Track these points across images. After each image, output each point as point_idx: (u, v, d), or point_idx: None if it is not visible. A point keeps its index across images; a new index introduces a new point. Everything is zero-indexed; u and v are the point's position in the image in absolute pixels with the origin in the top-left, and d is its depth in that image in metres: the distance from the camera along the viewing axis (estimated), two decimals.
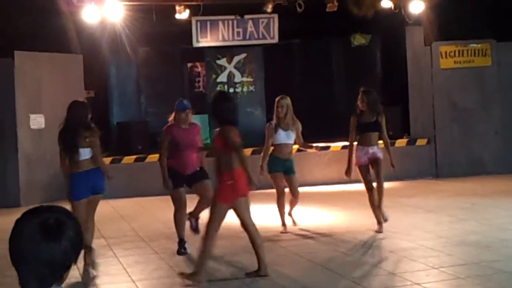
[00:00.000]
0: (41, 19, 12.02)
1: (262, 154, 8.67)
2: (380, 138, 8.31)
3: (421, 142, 13.58)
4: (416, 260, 6.78)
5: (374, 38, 15.19)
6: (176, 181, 7.51)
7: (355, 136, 8.26)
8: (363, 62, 15.48)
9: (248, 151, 13.00)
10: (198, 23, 13.38)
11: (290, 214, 8.83)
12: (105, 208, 7.10)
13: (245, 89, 15.50)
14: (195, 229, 7.75)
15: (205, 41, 13.61)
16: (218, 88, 15.32)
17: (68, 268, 1.91)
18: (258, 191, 8.54)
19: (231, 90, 15.36)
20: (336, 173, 12.71)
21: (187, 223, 7.71)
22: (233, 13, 13.53)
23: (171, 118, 7.63)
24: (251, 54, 15.30)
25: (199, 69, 16.49)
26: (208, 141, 11.98)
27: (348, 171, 8.23)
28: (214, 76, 15.33)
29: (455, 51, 13.58)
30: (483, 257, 6.77)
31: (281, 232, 8.43)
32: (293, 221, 8.80)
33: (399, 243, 7.62)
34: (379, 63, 15.62)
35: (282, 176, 8.49)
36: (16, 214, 1.99)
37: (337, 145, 13.23)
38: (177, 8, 12.65)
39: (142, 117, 15.49)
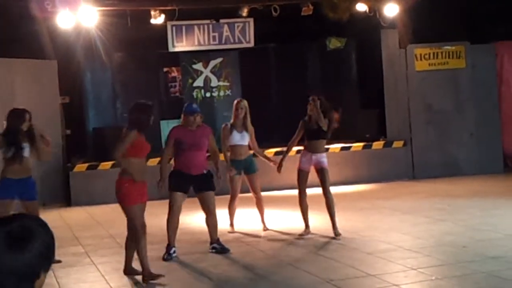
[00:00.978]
0: (14, 25, 11.90)
1: (223, 156, 8.69)
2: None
3: (397, 144, 13.66)
4: (394, 262, 6.81)
5: (350, 42, 15.26)
6: (179, 184, 7.49)
7: (297, 139, 8.42)
8: (339, 66, 15.55)
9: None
10: (174, 28, 13.34)
11: (263, 221, 8.94)
12: (82, 215, 7.00)
13: (221, 93, 15.47)
14: (222, 250, 7.65)
15: (181, 45, 13.57)
16: (194, 93, 15.29)
17: (37, 277, 1.87)
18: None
19: (208, 94, 15.34)
20: (310, 176, 12.74)
21: (212, 252, 7.69)
22: (209, 17, 13.51)
23: (181, 120, 7.75)
24: (227, 59, 15.28)
25: (175, 73, 16.44)
26: None
27: (279, 166, 8.41)
28: (190, 80, 15.28)
29: (429, 54, 13.71)
30: (459, 257, 6.83)
31: (229, 232, 8.66)
32: (264, 226, 8.91)
33: (377, 245, 7.65)
34: (355, 66, 15.69)
35: (240, 179, 8.66)
36: None
37: None
38: (152, 13, 12.60)
39: (118, 122, 15.37)
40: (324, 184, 8.16)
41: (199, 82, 15.26)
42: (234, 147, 8.68)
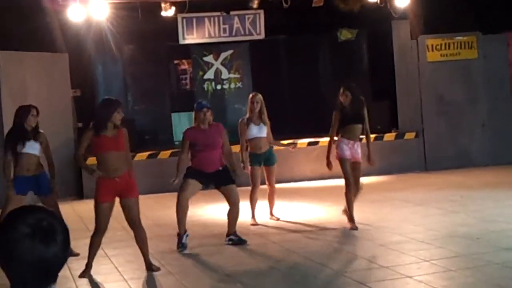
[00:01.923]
0: (26, 18, 11.92)
1: (239, 150, 8.87)
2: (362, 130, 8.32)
3: (409, 135, 13.62)
4: (407, 253, 6.80)
5: (361, 33, 15.20)
6: (195, 175, 7.51)
7: (336, 131, 8.24)
8: (350, 57, 15.49)
9: (236, 148, 13.00)
10: (184, 20, 13.33)
11: (271, 214, 9.03)
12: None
13: (232, 85, 15.47)
14: (239, 242, 7.65)
15: (191, 38, 13.56)
16: (205, 85, 15.29)
17: (62, 266, 1.90)
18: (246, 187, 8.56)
19: (218, 86, 15.34)
20: (325, 168, 12.67)
21: (228, 243, 7.69)
22: (219, 9, 13.49)
23: (193, 120, 7.77)
24: (237, 51, 15.26)
25: (186, 66, 16.44)
26: None
27: (329, 164, 8.18)
28: (201, 73, 15.29)
29: (441, 44, 13.63)
30: (473, 249, 6.80)
31: (251, 225, 8.69)
32: (277, 218, 8.99)
33: (390, 236, 7.64)
34: (366, 57, 15.63)
35: (260, 170, 8.72)
36: None
37: (325, 140, 13.20)
38: (163, 5, 12.59)
39: (129, 115, 15.39)
40: (358, 179, 8.05)
41: (209, 74, 15.26)
42: (252, 141, 8.74)
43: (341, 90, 8.21)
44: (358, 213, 8.43)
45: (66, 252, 1.90)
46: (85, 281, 6.49)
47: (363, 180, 7.99)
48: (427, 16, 13.12)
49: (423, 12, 13.06)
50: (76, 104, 13.32)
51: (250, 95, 9.00)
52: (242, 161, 8.72)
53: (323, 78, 16.21)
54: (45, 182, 7.43)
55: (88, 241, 6.71)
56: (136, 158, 12.52)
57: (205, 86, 15.29)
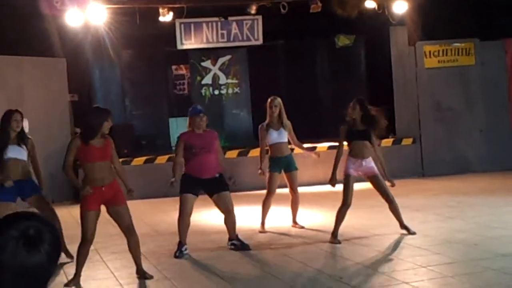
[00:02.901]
0: (23, 23, 11.92)
1: (259, 155, 8.76)
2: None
3: (406, 141, 13.63)
4: (404, 259, 6.79)
5: (358, 39, 15.22)
6: (190, 187, 7.47)
7: (342, 147, 7.88)
8: (348, 63, 15.51)
9: (233, 153, 13.00)
10: (182, 26, 13.33)
11: (295, 222, 8.86)
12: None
13: (230, 91, 15.48)
14: (242, 247, 7.61)
15: (189, 43, 13.56)
16: (203, 90, 15.29)
17: (51, 275, 1.87)
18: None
19: (216, 92, 15.34)
20: (322, 174, 12.68)
21: (231, 248, 7.67)
22: (217, 15, 13.50)
23: (187, 125, 7.72)
24: (235, 56, 15.27)
25: (184, 71, 16.45)
26: None
27: (332, 179, 7.80)
28: (198, 78, 15.29)
29: (439, 51, 13.65)
30: (470, 255, 6.79)
31: (260, 232, 8.57)
32: (300, 226, 8.80)
33: (386, 242, 7.63)
34: (364, 63, 15.64)
35: (278, 177, 8.59)
36: None
37: (323, 145, 13.23)
38: (161, 10, 12.60)
39: (127, 120, 15.40)
40: (385, 190, 7.76)
41: (207, 79, 15.27)
42: (273, 146, 8.60)
43: (352, 103, 7.84)
44: (355, 219, 8.43)
45: (54, 264, 1.86)
46: (80, 286, 6.46)
47: (360, 186, 7.94)
48: (425, 22, 13.14)
49: (420, 19, 13.08)
50: (74, 109, 13.30)
51: (269, 100, 8.74)
52: (260, 167, 8.60)
53: (321, 84, 16.22)
54: (29, 185, 7.34)
55: None
56: (133, 163, 12.52)
57: (203, 91, 15.29)
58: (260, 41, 13.77)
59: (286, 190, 8.83)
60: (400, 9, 12.68)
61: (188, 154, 7.56)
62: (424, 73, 13.66)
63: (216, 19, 13.53)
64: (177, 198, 7.70)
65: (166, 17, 12.67)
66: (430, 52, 13.65)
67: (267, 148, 8.68)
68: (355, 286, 5.93)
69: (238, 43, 13.88)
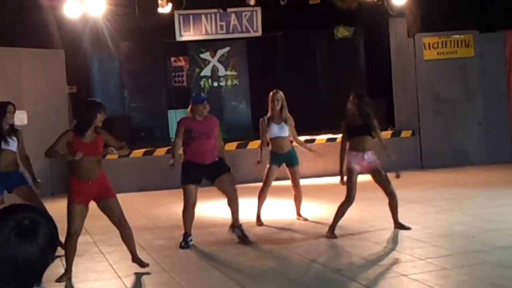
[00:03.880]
0: (21, 14, 11.89)
1: (259, 147, 8.73)
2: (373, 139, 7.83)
3: (405, 133, 13.63)
4: (402, 252, 6.79)
5: (358, 30, 15.20)
6: (192, 175, 7.45)
7: (345, 142, 7.72)
8: (347, 54, 15.50)
9: (232, 145, 12.99)
10: (181, 17, 13.31)
11: (299, 214, 8.83)
12: (90, 204, 7.03)
13: (229, 82, 15.46)
14: (245, 240, 7.55)
15: (188, 35, 13.55)
16: (202, 82, 15.27)
17: (47, 266, 1.88)
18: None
19: (215, 84, 15.33)
20: (321, 166, 12.73)
21: (234, 237, 7.64)
22: (216, 6, 13.48)
23: (188, 111, 7.66)
24: (234, 48, 15.26)
25: (182, 63, 16.42)
26: None
27: (342, 179, 7.64)
28: (197, 70, 15.27)
29: (438, 43, 13.63)
30: (468, 247, 6.80)
31: (257, 225, 8.52)
32: (304, 219, 8.79)
33: (385, 234, 7.63)
34: (363, 55, 15.64)
35: (277, 171, 8.55)
36: None
37: (322, 137, 13.24)
38: (160, 2, 12.55)
39: (125, 112, 15.40)
40: (385, 184, 7.71)
41: (206, 71, 15.26)
42: (274, 140, 8.52)
43: (351, 97, 7.74)
44: (353, 212, 8.41)
45: (48, 258, 1.86)
46: (79, 278, 6.47)
47: (359, 178, 7.91)
48: (424, 14, 13.12)
49: (420, 10, 13.06)
50: (72, 101, 13.28)
51: (271, 93, 8.64)
52: (259, 156, 8.57)
53: (320, 75, 16.22)
54: (17, 176, 7.33)
55: (82, 238, 6.67)
56: (132, 155, 12.50)
57: (202, 83, 15.28)
58: (259, 33, 13.75)
59: (288, 183, 8.82)
60: (399, 1, 12.63)
61: (187, 139, 7.51)
62: (423, 65, 13.64)
63: (215, 10, 13.51)
64: (175, 191, 7.71)
65: (165, 8, 12.63)
66: (429, 44, 13.63)
67: (268, 141, 8.63)
68: (352, 278, 5.93)
69: (237, 34, 13.87)
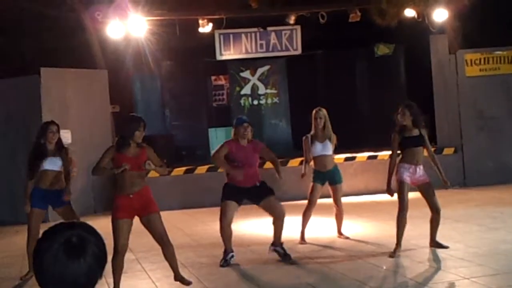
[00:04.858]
0: (66, 36, 12.16)
1: (303, 163, 8.68)
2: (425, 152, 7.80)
3: (448, 151, 13.45)
4: (446, 271, 6.69)
5: (398, 48, 15.12)
6: (233, 194, 7.47)
7: (396, 155, 7.64)
8: (387, 72, 15.41)
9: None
10: (221, 36, 13.44)
11: (340, 232, 8.78)
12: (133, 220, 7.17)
13: (269, 101, 15.52)
14: (286, 258, 7.53)
15: (229, 54, 13.66)
16: (242, 101, 15.36)
17: (94, 284, 1.90)
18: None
19: (255, 102, 15.40)
20: (362, 184, 12.65)
21: (275, 255, 7.63)
22: (256, 25, 13.57)
23: (232, 134, 7.68)
24: (274, 66, 15.32)
25: (223, 81, 16.55)
26: None
27: (388, 190, 7.57)
28: (238, 88, 15.37)
29: (480, 59, 13.47)
30: None
31: (299, 243, 8.47)
32: (345, 237, 8.73)
33: (429, 253, 7.53)
34: (403, 72, 15.53)
35: (320, 189, 8.51)
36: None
37: (363, 155, 13.15)
38: (200, 22, 12.73)
39: (167, 130, 15.56)
40: (433, 199, 7.60)
41: (246, 90, 15.34)
42: (317, 158, 8.49)
43: (399, 109, 7.65)
44: (395, 229, 8.32)
45: (97, 272, 1.88)
46: None
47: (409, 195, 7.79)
48: (466, 30, 12.99)
49: (461, 27, 12.94)
50: (115, 120, 13.47)
51: (314, 111, 8.63)
52: (303, 170, 8.53)
53: (360, 93, 16.15)
54: (59, 196, 7.43)
55: (125, 256, 6.72)
56: (173, 173, 12.61)
57: (242, 101, 15.36)
58: (299, 51, 13.79)
59: (329, 201, 8.79)
60: (440, 17, 12.55)
61: (230, 163, 7.54)
62: (465, 82, 13.48)
63: (255, 29, 13.61)
64: (216, 209, 7.72)
65: (205, 28, 12.79)
66: (471, 60, 13.47)
67: (310, 159, 8.58)
68: None
69: (277, 53, 13.93)
